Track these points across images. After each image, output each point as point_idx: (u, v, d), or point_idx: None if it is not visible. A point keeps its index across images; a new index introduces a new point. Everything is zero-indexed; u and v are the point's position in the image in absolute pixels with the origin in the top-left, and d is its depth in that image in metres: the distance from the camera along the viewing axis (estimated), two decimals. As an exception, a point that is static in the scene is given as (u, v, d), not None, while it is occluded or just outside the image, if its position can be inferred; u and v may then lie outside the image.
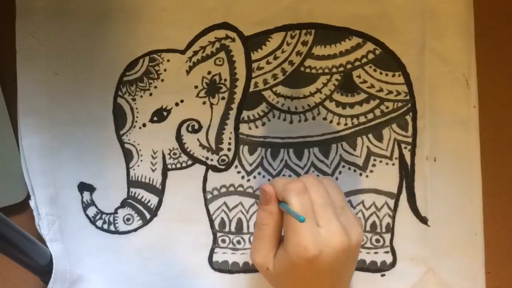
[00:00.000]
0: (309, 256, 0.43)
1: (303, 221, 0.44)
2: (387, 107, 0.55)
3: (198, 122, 0.56)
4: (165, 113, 0.56)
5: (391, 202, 0.55)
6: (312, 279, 0.46)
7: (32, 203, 0.56)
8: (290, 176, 0.56)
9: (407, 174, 0.55)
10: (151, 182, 0.56)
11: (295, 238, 0.44)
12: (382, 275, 0.56)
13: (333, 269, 0.46)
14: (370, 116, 0.55)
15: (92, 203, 0.57)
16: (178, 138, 0.56)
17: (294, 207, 0.45)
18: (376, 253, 0.56)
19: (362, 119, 0.55)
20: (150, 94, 0.56)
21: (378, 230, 0.56)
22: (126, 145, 0.56)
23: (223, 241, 0.57)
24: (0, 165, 0.57)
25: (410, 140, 0.55)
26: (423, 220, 0.55)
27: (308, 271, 0.45)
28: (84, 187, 0.57)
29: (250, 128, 0.56)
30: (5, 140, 0.56)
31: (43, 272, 0.55)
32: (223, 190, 0.56)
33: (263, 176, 0.56)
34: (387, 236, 0.56)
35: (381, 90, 0.55)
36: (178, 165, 0.56)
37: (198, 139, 0.56)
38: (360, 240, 0.46)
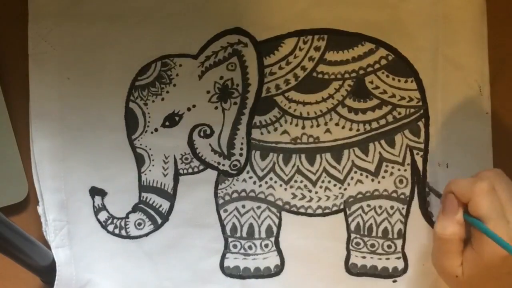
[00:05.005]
0: (506, 254, 0.44)
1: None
2: (399, 113, 0.55)
3: (210, 127, 0.56)
4: (177, 118, 0.56)
5: (403, 208, 0.55)
6: (502, 277, 0.47)
7: (40, 209, 0.56)
8: (301, 181, 0.56)
9: (419, 180, 0.55)
10: (162, 187, 0.56)
11: (490, 240, 0.45)
12: (394, 281, 0.56)
13: None
14: (383, 122, 0.55)
15: (104, 207, 0.57)
16: (190, 143, 0.56)
17: (486, 212, 0.45)
18: (387, 259, 0.56)
19: (374, 125, 0.55)
20: (162, 99, 0.56)
21: (390, 236, 0.55)
22: (138, 150, 0.56)
23: (235, 246, 0.57)
24: (0, 165, 0.56)
25: (422, 146, 0.55)
26: (435, 226, 0.55)
27: (502, 269, 0.46)
28: (96, 192, 0.57)
29: (262, 134, 0.56)
30: (5, 140, 0.56)
31: (43, 272, 0.55)
32: (235, 195, 0.56)
33: (275, 182, 0.56)
34: (399, 242, 0.56)
35: (393, 96, 0.55)
36: (190, 170, 0.56)
37: (210, 144, 0.56)
38: None
